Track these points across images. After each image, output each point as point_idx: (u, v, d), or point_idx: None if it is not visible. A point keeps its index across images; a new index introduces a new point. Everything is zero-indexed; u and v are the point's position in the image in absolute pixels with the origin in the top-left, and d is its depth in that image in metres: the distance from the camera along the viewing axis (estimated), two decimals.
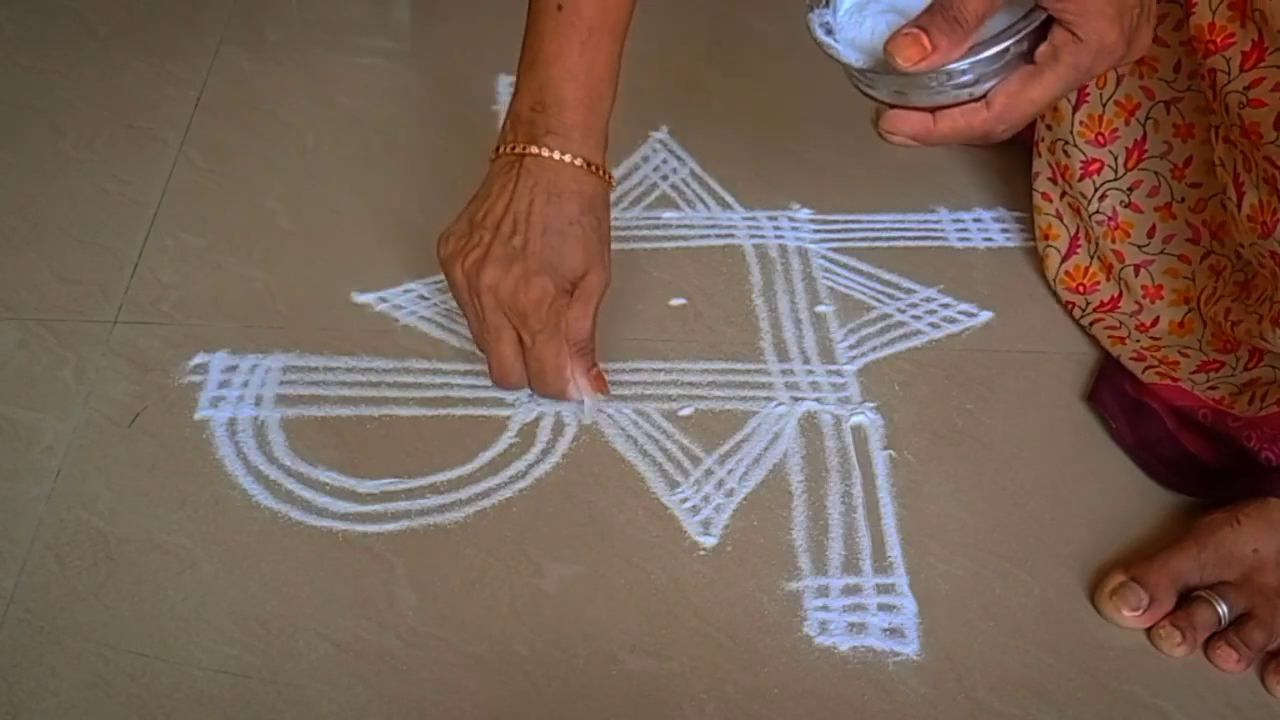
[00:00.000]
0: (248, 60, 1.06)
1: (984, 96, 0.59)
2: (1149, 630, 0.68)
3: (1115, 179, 0.82)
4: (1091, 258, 0.85)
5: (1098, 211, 0.83)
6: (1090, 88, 0.81)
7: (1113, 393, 0.79)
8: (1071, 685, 0.66)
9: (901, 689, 0.65)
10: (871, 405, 0.79)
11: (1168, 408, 0.78)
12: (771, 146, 0.99)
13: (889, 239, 0.92)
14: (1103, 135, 0.82)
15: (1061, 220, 0.86)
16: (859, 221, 0.93)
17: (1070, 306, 0.86)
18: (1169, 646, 0.67)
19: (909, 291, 0.88)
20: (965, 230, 0.93)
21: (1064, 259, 0.86)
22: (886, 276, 0.89)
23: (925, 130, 0.60)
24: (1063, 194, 0.86)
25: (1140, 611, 0.68)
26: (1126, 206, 0.83)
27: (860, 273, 0.89)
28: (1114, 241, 0.83)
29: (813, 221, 0.93)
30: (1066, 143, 0.83)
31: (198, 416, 0.76)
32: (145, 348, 0.80)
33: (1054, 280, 0.87)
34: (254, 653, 0.64)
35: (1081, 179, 0.83)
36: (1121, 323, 0.83)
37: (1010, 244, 0.92)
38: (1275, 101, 0.68)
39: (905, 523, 0.73)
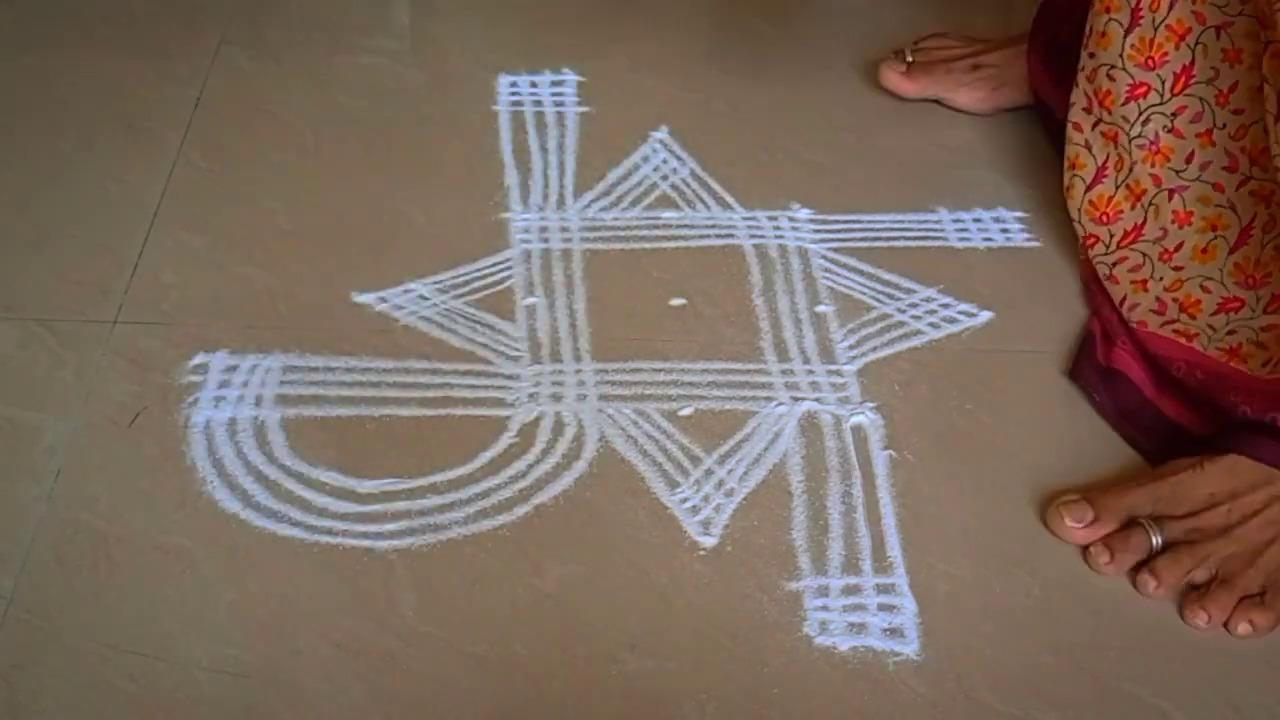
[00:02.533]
0: (248, 60, 1.06)
1: None
2: (1085, 549, 0.71)
3: (1160, 103, 0.84)
4: (1118, 186, 0.86)
5: (1139, 135, 0.85)
6: (1144, 11, 0.82)
7: (1089, 364, 0.81)
8: (1071, 685, 0.66)
9: (901, 689, 0.65)
10: (871, 405, 0.79)
11: (1145, 375, 0.79)
12: (771, 146, 0.99)
13: (889, 239, 0.92)
14: (1152, 59, 0.83)
15: (1090, 150, 0.87)
16: (859, 221, 0.93)
17: (1092, 243, 0.87)
18: (1097, 563, 0.71)
19: (909, 291, 0.88)
20: (965, 230, 0.93)
21: (1089, 188, 0.87)
22: (886, 276, 0.89)
23: None
24: (1095, 123, 0.87)
25: (1081, 525, 0.71)
26: (1169, 131, 0.84)
27: (860, 273, 0.89)
28: (1153, 165, 0.85)
29: (813, 221, 0.93)
30: (1113, 67, 0.84)
31: (198, 417, 0.76)
32: (145, 348, 0.80)
33: (1078, 211, 0.88)
34: (254, 653, 0.64)
35: (1126, 103, 0.84)
36: (1145, 256, 0.84)
37: (1010, 244, 0.92)
38: None
39: (905, 523, 0.73)
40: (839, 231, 0.92)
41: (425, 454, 0.75)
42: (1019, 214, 0.94)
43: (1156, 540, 0.70)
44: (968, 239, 0.92)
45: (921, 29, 1.11)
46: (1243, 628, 0.68)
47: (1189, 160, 0.84)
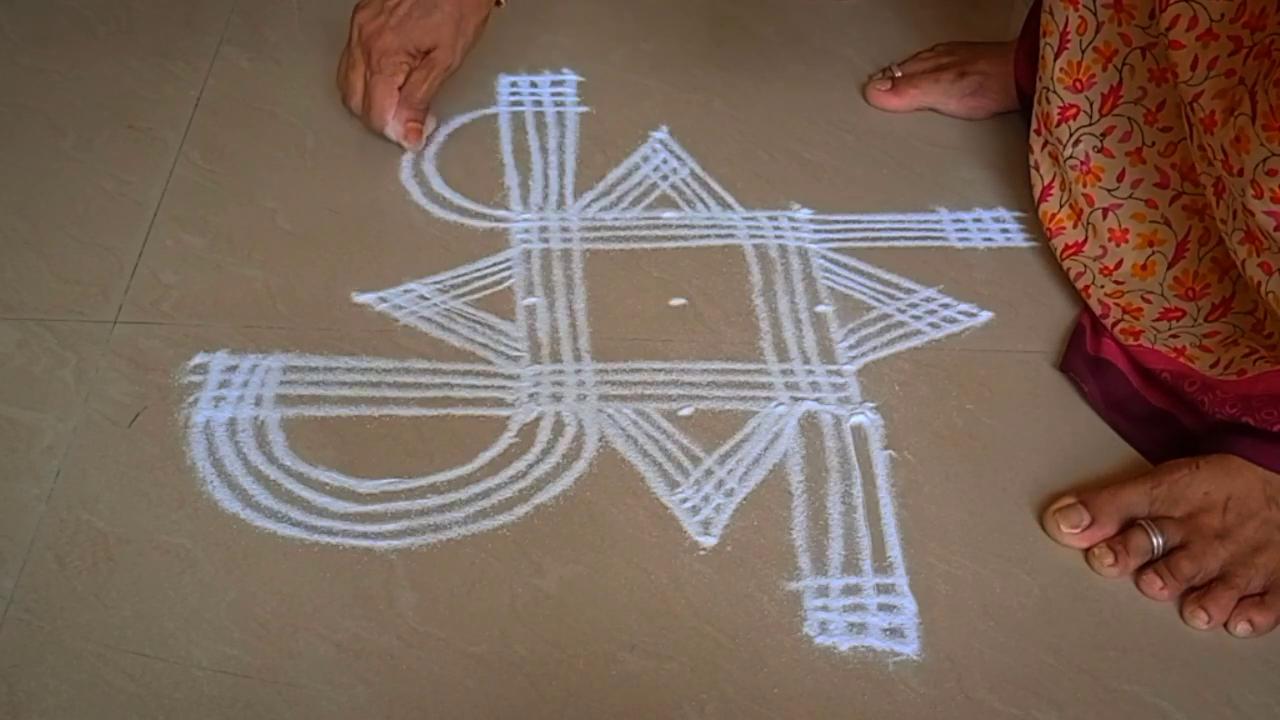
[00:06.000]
0: (248, 60, 1.06)
1: None
2: (1087, 551, 0.71)
3: (1090, 124, 0.85)
4: (1061, 205, 0.88)
5: (1071, 156, 0.86)
6: (1071, 34, 0.83)
7: (1079, 355, 0.81)
8: (1071, 685, 0.66)
9: (901, 689, 0.65)
10: (871, 405, 0.79)
11: (1131, 364, 0.79)
12: (771, 146, 0.99)
13: (889, 239, 0.92)
14: (1080, 81, 0.84)
15: (1038, 170, 0.89)
16: (859, 221, 0.93)
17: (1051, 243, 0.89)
18: (1101, 566, 0.71)
19: (909, 291, 0.88)
20: (965, 230, 0.93)
21: (1037, 204, 0.89)
22: (886, 276, 0.89)
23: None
24: (1044, 143, 0.88)
25: (1078, 530, 0.71)
26: (1099, 151, 0.85)
27: (860, 273, 0.89)
28: (1085, 185, 0.86)
29: (813, 221, 0.93)
30: (1048, 89, 0.85)
31: (198, 416, 0.76)
32: (145, 348, 0.80)
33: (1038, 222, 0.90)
34: (254, 653, 0.64)
35: (1059, 124, 0.86)
36: (1086, 267, 0.86)
37: (1010, 244, 0.92)
38: (1190, 41, 0.72)
39: (905, 523, 0.73)
40: (839, 231, 0.92)
41: (425, 454, 0.75)
42: (1019, 213, 0.94)
43: (1158, 542, 0.70)
44: (968, 239, 0.92)
45: (921, 28, 1.11)
46: (1242, 628, 0.68)
47: (1120, 179, 0.85)
